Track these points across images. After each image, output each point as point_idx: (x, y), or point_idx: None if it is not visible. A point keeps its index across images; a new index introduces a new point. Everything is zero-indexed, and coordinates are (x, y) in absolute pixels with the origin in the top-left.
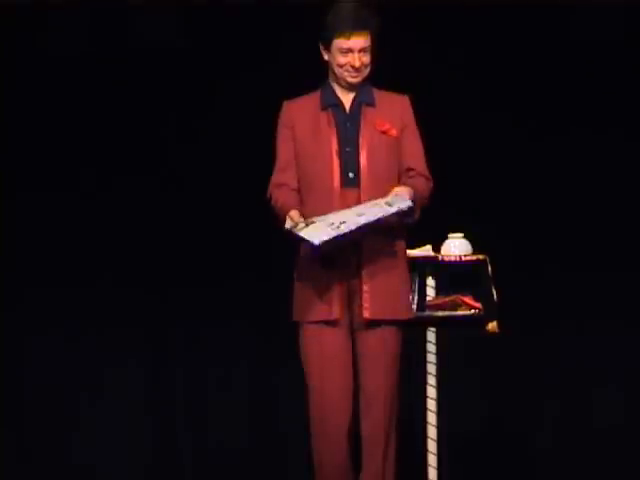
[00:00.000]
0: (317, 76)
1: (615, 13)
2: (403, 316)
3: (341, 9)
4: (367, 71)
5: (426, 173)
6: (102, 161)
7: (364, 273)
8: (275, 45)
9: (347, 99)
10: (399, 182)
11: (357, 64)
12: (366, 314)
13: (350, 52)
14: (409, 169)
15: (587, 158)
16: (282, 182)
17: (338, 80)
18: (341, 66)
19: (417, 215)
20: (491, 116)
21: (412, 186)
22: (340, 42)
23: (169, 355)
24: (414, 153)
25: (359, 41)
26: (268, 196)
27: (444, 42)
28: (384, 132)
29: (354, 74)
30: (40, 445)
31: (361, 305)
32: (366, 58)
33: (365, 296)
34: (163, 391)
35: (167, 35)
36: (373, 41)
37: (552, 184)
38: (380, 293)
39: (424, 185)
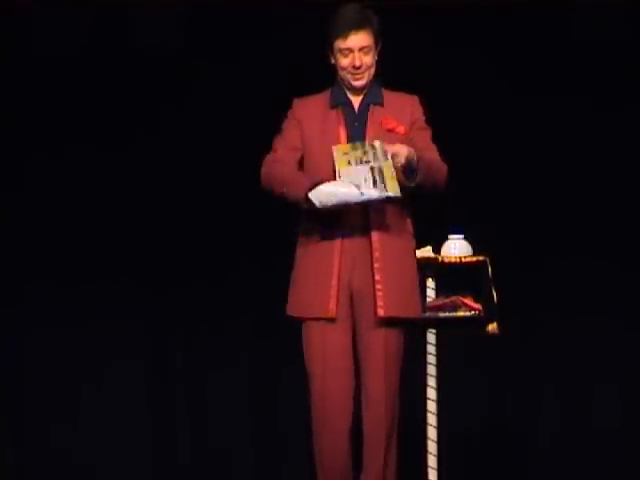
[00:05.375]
0: (321, 77)
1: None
2: (415, 314)
3: (340, 12)
4: (370, 72)
5: (438, 157)
6: (102, 158)
7: (377, 271)
8: (275, 45)
9: (356, 99)
10: None
11: (357, 63)
12: (381, 312)
13: (350, 52)
14: None
15: (588, 158)
16: (284, 160)
17: (345, 83)
18: (344, 68)
19: (419, 178)
20: (491, 117)
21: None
22: (339, 43)
23: (169, 354)
24: (425, 145)
25: (358, 40)
26: (266, 163)
27: (447, 43)
28: (390, 130)
29: (357, 75)
30: (39, 444)
31: (374, 303)
32: (368, 58)
33: (379, 295)
34: (163, 390)
35: (165, 34)
36: (376, 42)
37: (552, 185)
38: (394, 291)
39: (435, 162)
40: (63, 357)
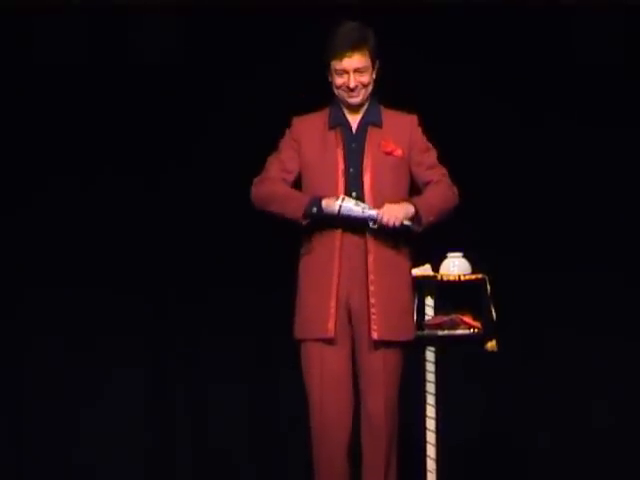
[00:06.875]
0: (320, 93)
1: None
2: (408, 337)
3: (337, 31)
4: (366, 91)
5: (445, 180)
6: (108, 168)
7: (372, 293)
8: (275, 57)
9: (354, 119)
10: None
11: (352, 85)
12: (374, 335)
13: (345, 73)
14: (427, 182)
15: (586, 175)
16: (277, 179)
17: (341, 101)
18: (338, 87)
19: (425, 221)
20: (489, 135)
21: (416, 200)
22: (335, 63)
23: (169, 366)
24: (428, 166)
25: (353, 61)
26: (258, 182)
27: (446, 58)
28: (388, 153)
29: (351, 94)
30: (40, 451)
31: (368, 325)
32: (364, 78)
33: (373, 317)
34: (163, 402)
35: (165, 46)
36: (373, 61)
37: (551, 203)
38: (388, 314)
39: (439, 192)
40: (63, 370)
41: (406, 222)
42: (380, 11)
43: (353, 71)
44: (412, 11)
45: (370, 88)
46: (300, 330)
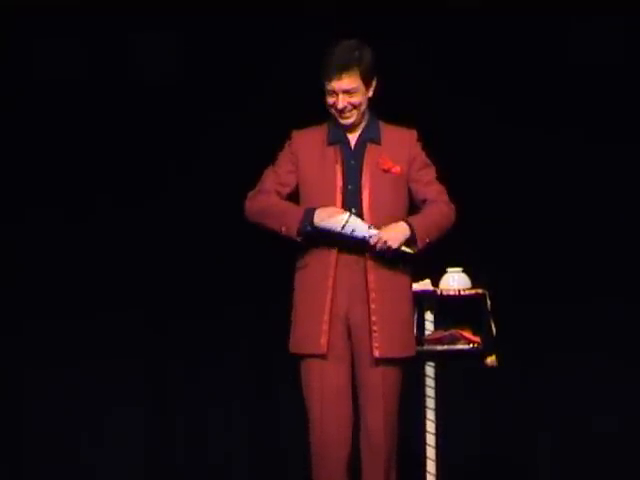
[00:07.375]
0: (321, 107)
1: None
2: (410, 353)
3: (331, 51)
4: (358, 112)
5: (443, 197)
6: (102, 192)
7: (373, 311)
8: (274, 70)
9: (353, 136)
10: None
11: (340, 106)
12: (376, 353)
13: (335, 93)
14: (424, 200)
15: (585, 189)
16: (272, 192)
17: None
18: (330, 107)
19: (421, 245)
20: (489, 151)
21: (412, 220)
22: (326, 83)
23: (168, 389)
24: (426, 182)
25: (342, 83)
26: (252, 195)
27: (445, 60)
28: (386, 170)
29: (342, 115)
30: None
31: (370, 342)
32: (353, 99)
33: (375, 335)
34: (163, 424)
35: (164, 63)
36: (366, 81)
37: (551, 218)
38: (390, 331)
39: (435, 211)
40: (62, 391)
41: (403, 248)
42: (376, 12)
43: (342, 92)
44: (408, 12)
45: (363, 108)
46: (294, 345)
